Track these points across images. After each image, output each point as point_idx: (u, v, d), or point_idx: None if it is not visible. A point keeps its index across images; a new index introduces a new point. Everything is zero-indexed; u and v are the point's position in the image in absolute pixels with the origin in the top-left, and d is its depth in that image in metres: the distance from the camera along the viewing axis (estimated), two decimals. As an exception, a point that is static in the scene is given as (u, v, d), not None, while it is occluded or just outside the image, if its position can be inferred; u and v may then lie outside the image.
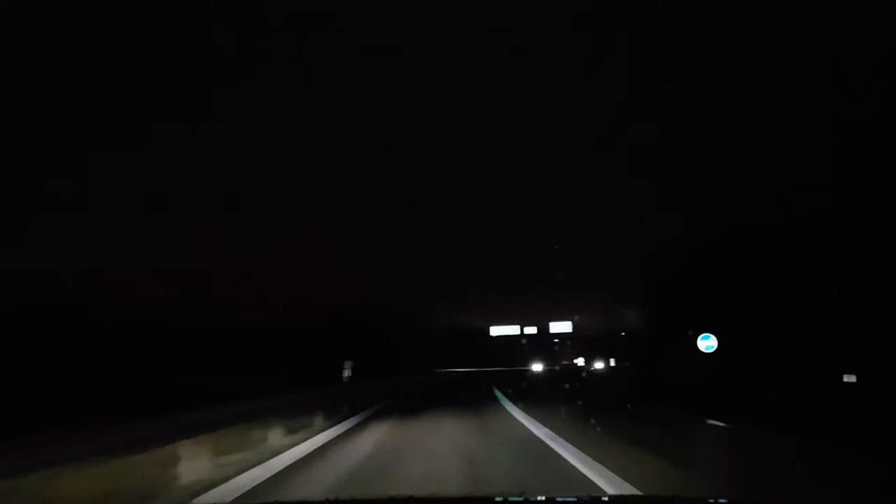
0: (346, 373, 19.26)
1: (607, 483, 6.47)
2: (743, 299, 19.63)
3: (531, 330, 39.46)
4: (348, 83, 8.20)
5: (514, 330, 39.76)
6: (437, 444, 10.81)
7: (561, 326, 38.51)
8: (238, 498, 6.27)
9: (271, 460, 9.30)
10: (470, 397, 24.39)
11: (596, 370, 54.02)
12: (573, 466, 8.00)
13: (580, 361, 59.28)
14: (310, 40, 7.24)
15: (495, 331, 40.01)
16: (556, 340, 52.83)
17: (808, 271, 16.64)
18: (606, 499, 5.07)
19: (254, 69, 7.87)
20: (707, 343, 20.89)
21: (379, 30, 7.10)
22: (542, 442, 10.94)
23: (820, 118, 9.62)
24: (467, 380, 42.74)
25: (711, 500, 4.31)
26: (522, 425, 13.78)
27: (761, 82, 8.48)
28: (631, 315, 33.63)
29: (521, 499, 3.59)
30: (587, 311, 35.28)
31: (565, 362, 59.45)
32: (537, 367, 56.50)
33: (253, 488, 6.99)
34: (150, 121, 8.76)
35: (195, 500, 6.22)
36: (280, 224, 13.84)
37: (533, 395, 25.69)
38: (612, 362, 54.87)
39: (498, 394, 25.49)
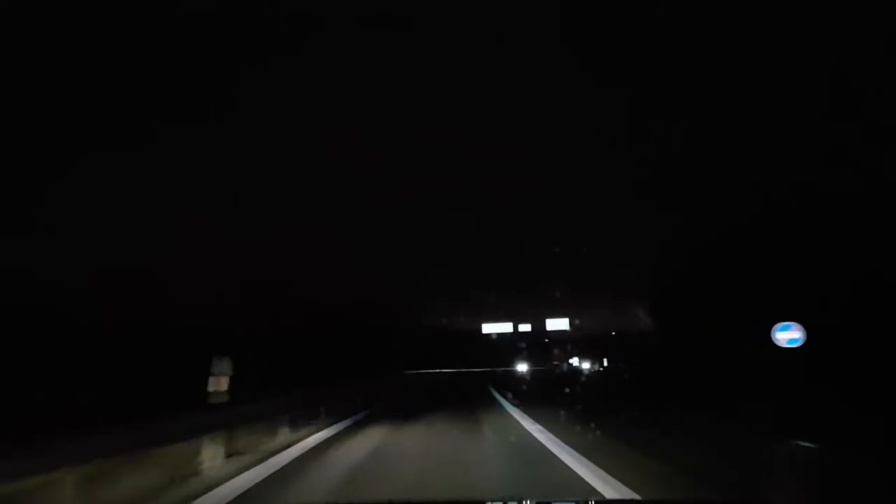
0: (217, 387, 11.20)
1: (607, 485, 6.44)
2: (752, 297, 19.53)
3: (525, 327, 37.31)
4: (348, 83, 8.20)
5: (507, 328, 37.36)
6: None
7: (558, 324, 36.43)
8: (235, 500, 6.24)
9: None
10: (465, 395, 24.30)
11: (584, 371, 50.65)
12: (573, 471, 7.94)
13: (575, 362, 54.83)
14: (310, 40, 7.24)
15: (487, 328, 37.70)
16: (546, 340, 50.18)
17: (811, 267, 16.62)
18: (594, 502, 5.04)
19: (253, 69, 7.87)
20: (788, 335, 14.90)
21: (379, 29, 7.10)
22: (541, 442, 10.91)
23: (820, 118, 9.62)
24: (460, 382, 41.00)
25: (706, 501, 4.28)
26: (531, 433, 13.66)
27: (762, 82, 8.47)
28: (635, 314, 33.45)
29: (524, 501, 3.56)
30: (584, 310, 34.99)
31: (556, 363, 55.15)
32: (522, 367, 53.26)
33: (254, 486, 6.97)
34: (151, 121, 8.75)
35: (194, 502, 6.20)
36: (280, 224, 13.84)
37: (531, 396, 25.69)
38: (605, 363, 51.91)
39: (499, 397, 25.49)
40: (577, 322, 37.02)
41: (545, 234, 16.87)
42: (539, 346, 51.91)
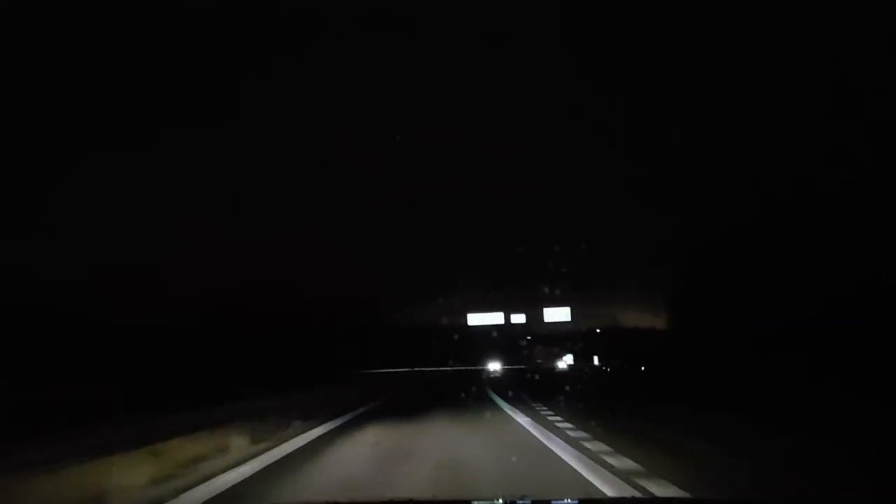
0: None
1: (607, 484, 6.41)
2: (752, 296, 19.43)
3: (519, 318, 31.40)
4: (348, 83, 8.22)
5: (497, 318, 31.08)
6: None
7: (558, 314, 30.50)
8: (210, 500, 6.23)
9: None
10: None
11: (562, 369, 46.39)
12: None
13: (568, 359, 49.55)
14: (310, 40, 7.26)
15: (474, 319, 31.44)
16: (528, 338, 45.13)
17: (811, 267, 16.62)
18: (594, 499, 5.02)
19: (253, 69, 7.89)
20: None
21: (379, 29, 7.11)
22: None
23: (820, 118, 9.62)
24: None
25: (705, 500, 4.25)
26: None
27: (762, 83, 8.48)
28: (638, 311, 32.90)
29: (522, 501, 3.54)
30: (583, 304, 33.52)
31: (539, 360, 48.47)
32: (495, 366, 47.45)
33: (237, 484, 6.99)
34: (151, 121, 8.76)
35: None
36: (280, 224, 13.85)
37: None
38: (596, 360, 47.98)
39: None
40: (577, 312, 31.28)
41: (544, 231, 16.89)
42: (534, 340, 47.31)
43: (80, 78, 7.52)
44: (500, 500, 3.68)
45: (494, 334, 35.06)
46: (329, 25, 6.91)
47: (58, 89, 7.68)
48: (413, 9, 6.75)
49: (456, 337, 38.33)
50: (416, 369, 41.01)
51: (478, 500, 5.08)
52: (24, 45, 6.69)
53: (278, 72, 7.83)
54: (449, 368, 44.77)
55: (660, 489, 5.73)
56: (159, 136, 9.22)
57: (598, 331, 42.70)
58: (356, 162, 10.92)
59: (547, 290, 27.52)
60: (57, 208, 10.56)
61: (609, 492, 5.85)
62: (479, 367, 45.81)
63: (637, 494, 5.94)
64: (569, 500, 4.41)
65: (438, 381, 36.90)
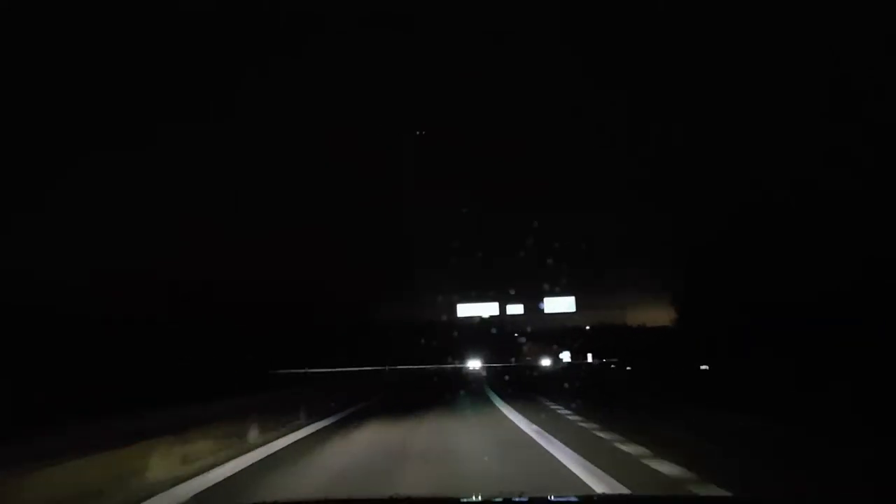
0: None
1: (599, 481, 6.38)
2: (752, 296, 19.37)
3: (516, 309, 26.91)
4: (348, 83, 8.23)
5: (490, 309, 26.54)
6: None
7: (560, 304, 26.46)
8: (195, 496, 6.21)
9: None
10: None
11: (546, 367, 44.20)
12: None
13: (565, 356, 47.42)
14: (310, 40, 7.27)
15: (464, 310, 26.61)
16: (515, 335, 43.00)
17: (810, 266, 16.59)
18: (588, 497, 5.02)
19: (253, 69, 7.90)
20: None
21: (379, 29, 7.12)
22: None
23: (820, 118, 9.62)
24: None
25: (704, 499, 4.24)
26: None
27: (762, 83, 8.48)
28: (642, 310, 32.53)
29: (520, 499, 3.54)
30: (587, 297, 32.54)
31: (528, 358, 47.06)
32: (475, 363, 44.38)
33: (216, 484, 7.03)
34: (151, 121, 8.77)
35: (149, 500, 6.13)
36: (280, 224, 13.86)
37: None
38: (590, 358, 46.26)
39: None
40: (581, 305, 26.81)
41: (544, 231, 16.88)
42: (530, 336, 44.64)
43: (80, 78, 7.53)
44: (500, 498, 3.67)
45: (494, 331, 33.49)
46: (329, 25, 6.92)
47: (58, 89, 7.68)
48: (413, 9, 6.75)
49: (455, 334, 36.48)
50: (408, 367, 38.80)
51: (475, 497, 5.08)
52: (25, 46, 6.69)
53: (278, 72, 7.83)
54: (437, 366, 42.72)
55: (663, 467, 5.82)
56: (159, 136, 9.22)
57: (587, 328, 42.02)
58: (356, 162, 10.93)
59: (547, 287, 26.39)
60: (57, 208, 10.56)
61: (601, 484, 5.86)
62: (464, 365, 43.44)
63: (627, 492, 5.92)
64: (567, 498, 4.40)
65: (429, 377, 36.15)
